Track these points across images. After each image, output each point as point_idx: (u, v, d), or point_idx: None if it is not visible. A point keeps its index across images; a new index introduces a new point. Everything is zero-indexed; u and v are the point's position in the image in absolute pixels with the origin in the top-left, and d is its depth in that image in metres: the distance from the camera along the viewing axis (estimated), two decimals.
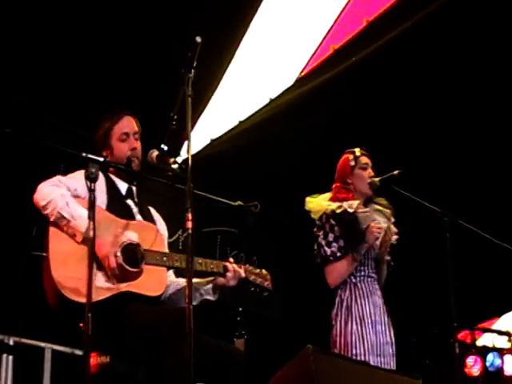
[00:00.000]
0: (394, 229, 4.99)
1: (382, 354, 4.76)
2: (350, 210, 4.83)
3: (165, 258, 3.88)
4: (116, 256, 3.73)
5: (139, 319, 3.68)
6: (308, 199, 5.01)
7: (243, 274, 4.06)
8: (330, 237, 4.85)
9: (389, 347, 4.83)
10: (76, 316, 3.53)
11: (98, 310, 3.45)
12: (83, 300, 3.41)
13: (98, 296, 3.62)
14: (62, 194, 3.77)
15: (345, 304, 4.83)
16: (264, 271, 4.21)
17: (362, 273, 4.87)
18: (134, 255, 3.80)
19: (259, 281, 4.15)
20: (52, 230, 3.77)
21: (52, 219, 3.75)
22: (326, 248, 4.83)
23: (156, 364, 3.60)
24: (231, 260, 4.09)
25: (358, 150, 5.00)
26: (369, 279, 4.88)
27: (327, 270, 4.87)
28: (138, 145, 4.10)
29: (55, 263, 3.66)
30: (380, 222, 4.90)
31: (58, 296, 3.62)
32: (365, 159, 4.98)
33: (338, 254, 4.81)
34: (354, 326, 4.75)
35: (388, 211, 4.98)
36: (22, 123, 5.67)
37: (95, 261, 3.65)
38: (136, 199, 4.14)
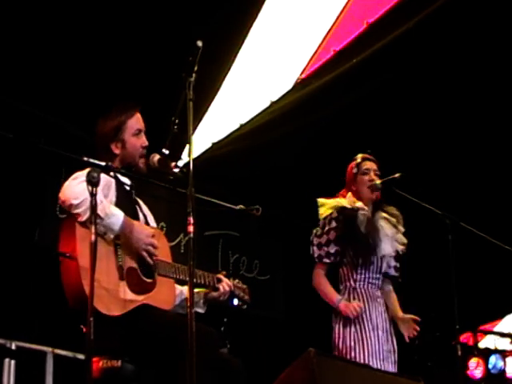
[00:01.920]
0: (402, 239, 5.01)
1: (383, 359, 4.77)
2: (349, 207, 4.90)
3: (173, 270, 3.86)
4: (153, 236, 3.72)
5: (156, 326, 3.65)
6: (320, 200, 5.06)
7: (232, 288, 4.10)
8: (324, 239, 4.91)
9: (391, 354, 4.85)
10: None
11: (119, 320, 3.50)
12: (111, 313, 3.46)
13: (124, 309, 3.61)
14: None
15: None
16: (244, 285, 4.25)
17: (362, 276, 4.88)
18: (147, 264, 3.79)
19: (241, 295, 4.21)
20: (79, 231, 3.61)
21: (83, 219, 3.59)
22: (316, 248, 4.91)
23: (167, 369, 3.59)
24: (224, 273, 4.12)
25: (359, 157, 5.05)
26: (369, 285, 4.89)
27: (314, 271, 4.96)
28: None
29: (84, 270, 3.49)
30: (385, 228, 4.92)
31: (83, 301, 3.42)
32: (367, 164, 5.01)
33: (324, 260, 4.88)
34: (353, 329, 4.78)
35: (394, 220, 4.99)
36: (23, 127, 5.67)
37: (117, 270, 3.64)
38: (135, 196, 4.09)
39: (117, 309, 3.60)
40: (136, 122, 4.03)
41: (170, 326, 3.65)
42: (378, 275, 4.91)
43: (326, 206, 4.98)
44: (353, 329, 4.77)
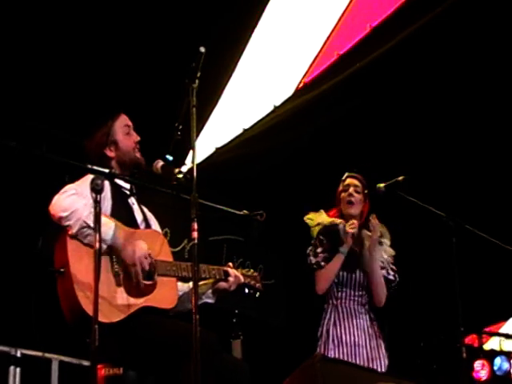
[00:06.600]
0: (388, 251, 5.05)
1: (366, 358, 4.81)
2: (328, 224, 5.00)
3: (174, 268, 3.86)
4: (147, 257, 3.71)
5: (157, 333, 3.65)
6: (309, 217, 5.11)
7: (242, 279, 4.11)
8: (319, 248, 5.00)
9: (376, 361, 4.87)
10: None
11: (120, 327, 3.50)
12: (111, 320, 3.48)
13: (121, 314, 3.62)
14: (84, 204, 3.63)
15: (325, 326, 4.93)
16: (254, 272, 4.26)
17: (344, 294, 4.94)
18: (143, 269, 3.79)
19: (252, 283, 4.21)
20: (71, 245, 3.64)
21: (74, 231, 3.63)
22: (312, 257, 4.98)
23: (169, 375, 3.60)
24: (231, 265, 4.13)
25: (345, 176, 5.11)
26: (351, 302, 4.94)
27: (315, 279, 4.98)
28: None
29: (78, 283, 3.55)
30: (367, 245, 4.96)
31: (81, 315, 3.52)
32: (347, 181, 5.07)
33: (322, 264, 4.93)
34: (331, 346, 4.81)
35: (371, 238, 5.02)
36: (26, 136, 5.68)
37: (114, 277, 3.66)
38: (135, 198, 4.09)
39: (116, 315, 3.61)
40: (122, 121, 4.12)
41: (171, 331, 3.65)
42: (360, 292, 4.94)
43: (313, 222, 5.05)
44: (331, 346, 4.83)
